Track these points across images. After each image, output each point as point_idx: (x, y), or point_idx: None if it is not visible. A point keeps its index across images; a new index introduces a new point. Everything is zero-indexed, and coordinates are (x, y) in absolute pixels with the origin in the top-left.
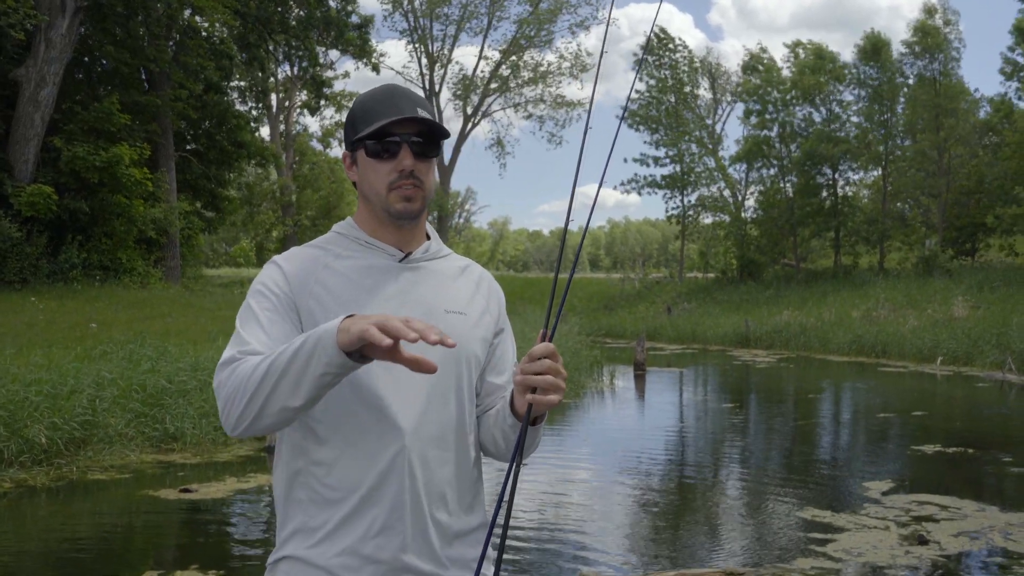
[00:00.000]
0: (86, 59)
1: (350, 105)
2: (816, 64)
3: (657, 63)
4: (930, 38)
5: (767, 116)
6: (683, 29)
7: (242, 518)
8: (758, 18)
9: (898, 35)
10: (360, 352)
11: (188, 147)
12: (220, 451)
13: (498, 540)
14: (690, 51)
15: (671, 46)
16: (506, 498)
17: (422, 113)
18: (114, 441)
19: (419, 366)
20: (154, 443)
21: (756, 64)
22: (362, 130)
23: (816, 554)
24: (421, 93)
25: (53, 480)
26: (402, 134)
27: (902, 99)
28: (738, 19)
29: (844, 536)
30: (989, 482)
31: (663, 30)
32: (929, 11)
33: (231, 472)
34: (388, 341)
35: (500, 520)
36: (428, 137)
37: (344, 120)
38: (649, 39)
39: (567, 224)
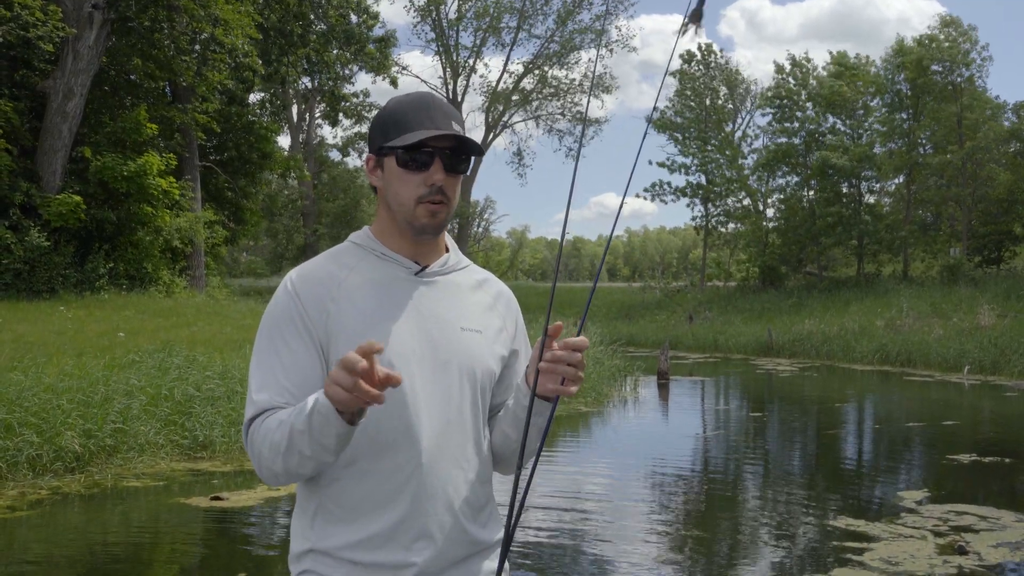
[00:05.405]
0: (112, 71)
1: (370, 116)
2: (839, 72)
3: (686, 69)
4: (944, 51)
5: (792, 125)
6: (685, 44)
7: (273, 526)
8: (767, 30)
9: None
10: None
11: (212, 157)
12: (249, 459)
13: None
14: (717, 63)
15: (711, 59)
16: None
17: (456, 128)
18: (144, 449)
19: (389, 380)
20: (184, 451)
21: (786, 74)
22: (394, 137)
23: (853, 563)
24: None
25: (87, 488)
26: (436, 147)
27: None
28: (747, 30)
29: (880, 546)
30: None
31: (707, 46)
32: (946, 23)
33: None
34: (362, 401)
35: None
36: (460, 152)
37: (368, 129)
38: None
39: (565, 228)
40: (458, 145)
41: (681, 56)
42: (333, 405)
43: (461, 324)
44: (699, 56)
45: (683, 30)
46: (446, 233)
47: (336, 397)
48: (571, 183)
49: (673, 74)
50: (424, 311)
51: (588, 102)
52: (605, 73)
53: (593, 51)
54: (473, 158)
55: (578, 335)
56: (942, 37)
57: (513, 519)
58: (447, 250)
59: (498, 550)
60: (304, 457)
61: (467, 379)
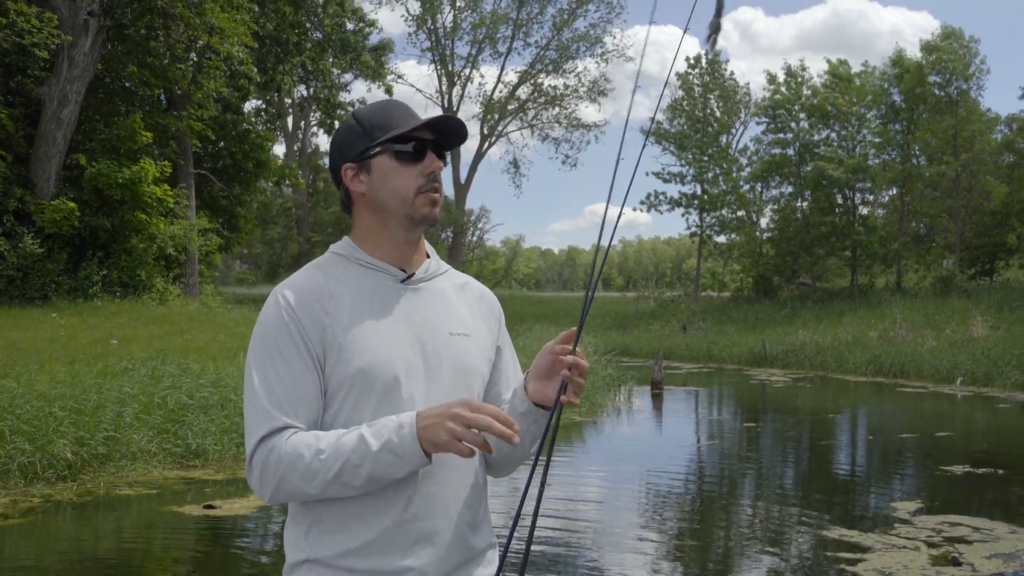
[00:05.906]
0: (107, 79)
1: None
2: (834, 83)
3: (686, 79)
4: (945, 61)
5: (786, 136)
6: (688, 51)
7: (266, 535)
8: (760, 42)
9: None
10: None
11: (207, 165)
12: (243, 468)
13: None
14: (720, 73)
15: (718, 72)
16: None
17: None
18: (137, 457)
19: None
20: (176, 459)
21: (779, 85)
22: (380, 136)
23: (846, 574)
24: (439, 111)
25: (79, 496)
26: (424, 139)
27: (923, 114)
28: (741, 42)
29: (874, 556)
30: (1020, 504)
31: (716, 55)
32: (947, 35)
33: None
34: (470, 454)
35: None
36: (441, 144)
37: (338, 142)
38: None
39: (599, 240)
40: (438, 138)
41: (687, 59)
42: (423, 447)
43: (450, 329)
44: (704, 66)
45: (711, 37)
46: (423, 239)
47: (445, 445)
48: (610, 184)
49: (678, 74)
50: (414, 318)
51: (630, 110)
52: (602, 78)
53: (588, 60)
54: (463, 162)
55: (574, 347)
56: (944, 46)
57: (514, 526)
58: (428, 255)
59: (488, 554)
60: (350, 487)
61: (460, 383)
